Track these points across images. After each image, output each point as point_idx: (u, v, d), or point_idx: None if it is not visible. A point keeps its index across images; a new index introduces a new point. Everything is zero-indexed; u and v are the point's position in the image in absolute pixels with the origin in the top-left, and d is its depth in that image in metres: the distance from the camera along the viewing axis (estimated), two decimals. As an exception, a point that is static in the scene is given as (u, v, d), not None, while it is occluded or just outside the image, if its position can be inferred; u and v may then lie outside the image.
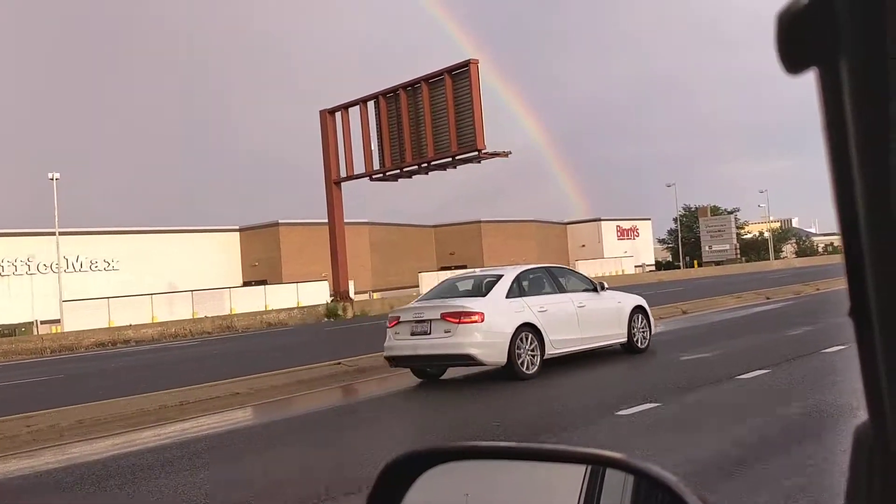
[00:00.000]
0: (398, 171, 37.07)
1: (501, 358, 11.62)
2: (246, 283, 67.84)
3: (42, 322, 53.18)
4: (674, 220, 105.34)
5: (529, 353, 11.84)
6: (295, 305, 56.35)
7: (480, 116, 33.24)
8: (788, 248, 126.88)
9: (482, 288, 12.68)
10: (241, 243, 70.29)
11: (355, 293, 70.76)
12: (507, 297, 12.21)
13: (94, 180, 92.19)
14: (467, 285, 13.39)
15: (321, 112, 39.98)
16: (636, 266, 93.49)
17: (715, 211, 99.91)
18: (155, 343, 33.57)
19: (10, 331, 45.88)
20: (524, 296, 12.43)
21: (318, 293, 64.70)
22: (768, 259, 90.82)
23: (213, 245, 68.69)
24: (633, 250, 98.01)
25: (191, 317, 58.37)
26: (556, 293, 12.97)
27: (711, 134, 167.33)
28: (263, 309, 60.46)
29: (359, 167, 38.99)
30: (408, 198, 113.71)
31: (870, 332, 0.55)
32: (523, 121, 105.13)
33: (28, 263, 56.87)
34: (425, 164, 36.02)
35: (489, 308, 11.84)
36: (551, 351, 12.25)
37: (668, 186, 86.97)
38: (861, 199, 0.53)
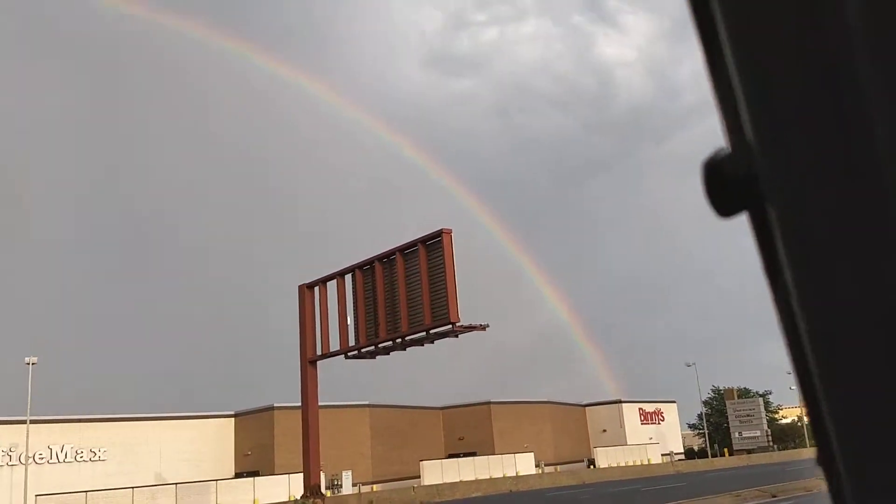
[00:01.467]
0: (373, 347, 34.92)
1: None
2: (238, 475, 64.02)
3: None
4: (703, 403, 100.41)
5: None
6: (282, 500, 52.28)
7: (454, 288, 31.46)
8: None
9: None
10: (236, 431, 67.13)
11: (353, 484, 66.34)
12: None
13: (83, 365, 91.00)
14: None
15: (300, 287, 38.69)
16: (663, 455, 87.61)
17: (745, 394, 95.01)
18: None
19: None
20: None
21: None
22: (805, 446, 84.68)
23: (206, 433, 65.61)
24: (658, 436, 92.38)
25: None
26: None
27: (740, 313, 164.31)
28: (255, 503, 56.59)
29: (336, 344, 36.93)
30: (416, 378, 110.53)
31: (837, 478, 0.56)
32: (546, 297, 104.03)
33: (10, 454, 54.09)
34: (400, 340, 33.87)
35: None
36: None
37: (689, 366, 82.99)
38: (810, 342, 0.54)
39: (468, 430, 78.79)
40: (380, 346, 34.72)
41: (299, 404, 64.66)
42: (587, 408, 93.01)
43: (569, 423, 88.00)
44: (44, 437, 56.08)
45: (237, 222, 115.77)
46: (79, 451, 57.97)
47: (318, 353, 37.41)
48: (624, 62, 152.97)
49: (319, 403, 67.36)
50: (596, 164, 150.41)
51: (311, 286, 38.32)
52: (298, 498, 39.23)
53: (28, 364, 44.21)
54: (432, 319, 32.16)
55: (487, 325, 32.84)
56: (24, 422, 50.58)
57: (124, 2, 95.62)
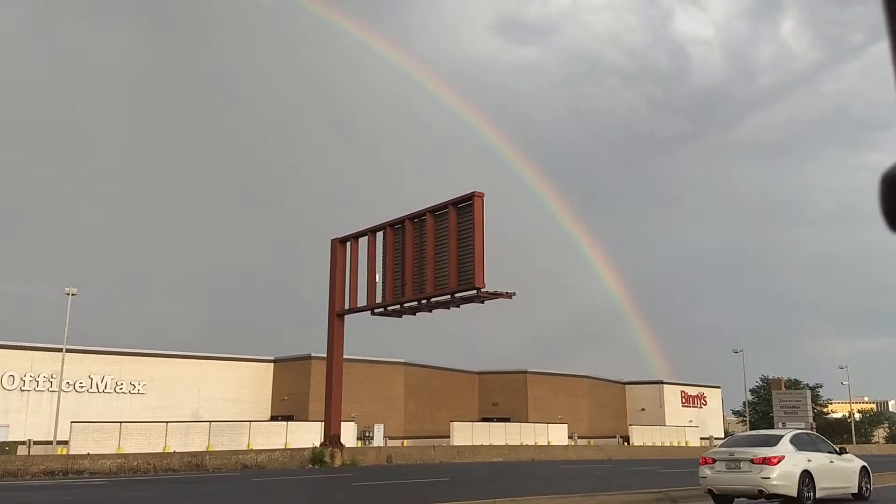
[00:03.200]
0: (398, 306, 34.58)
1: (793, 492, 16.18)
2: (273, 418, 65.20)
3: (56, 442, 51.30)
4: (750, 391, 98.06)
5: (807, 490, 16.34)
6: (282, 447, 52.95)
7: (482, 253, 30.75)
8: (880, 433, 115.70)
9: (770, 441, 17.29)
10: (274, 376, 68.24)
11: (384, 437, 67.01)
12: (790, 449, 16.84)
13: (129, 301, 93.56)
14: (755, 440, 17.92)
15: (332, 241, 38.50)
16: (702, 438, 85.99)
17: (795, 385, 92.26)
18: (111, 476, 30.89)
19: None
20: (798, 451, 16.92)
21: (344, 433, 61.33)
22: (851, 442, 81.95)
23: (245, 375, 66.89)
24: (699, 420, 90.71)
25: (206, 448, 55.87)
26: (816, 451, 17.56)
27: (800, 306, 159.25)
28: (283, 446, 57.50)
29: (363, 300, 36.75)
30: (468, 338, 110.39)
31: None
32: (601, 274, 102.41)
33: (51, 380, 55.95)
34: (425, 301, 33.43)
35: (782, 456, 16.45)
36: (818, 493, 16.60)
37: (736, 353, 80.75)
38: None
39: (503, 396, 78.54)
40: (405, 305, 34.37)
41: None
42: (627, 385, 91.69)
43: (606, 399, 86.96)
44: (86, 366, 57.88)
45: (306, 164, 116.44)
46: (119, 383, 59.70)
47: (346, 307, 37.29)
48: (700, 39, 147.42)
49: (357, 357, 68.20)
50: (664, 144, 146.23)
51: (343, 241, 38.10)
52: (318, 445, 39.50)
53: (68, 294, 45.29)
54: (458, 283, 31.58)
55: (513, 294, 32.10)
56: (56, 350, 52.16)
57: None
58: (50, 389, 56.20)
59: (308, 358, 66.34)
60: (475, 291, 31.25)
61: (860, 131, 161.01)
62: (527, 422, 71.88)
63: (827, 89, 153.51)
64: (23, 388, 55.53)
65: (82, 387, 58.37)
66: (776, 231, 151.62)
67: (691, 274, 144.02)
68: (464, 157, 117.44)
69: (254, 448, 55.97)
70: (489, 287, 31.56)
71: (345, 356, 66.12)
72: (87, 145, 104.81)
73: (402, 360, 70.44)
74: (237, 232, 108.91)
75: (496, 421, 73.83)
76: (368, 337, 76.21)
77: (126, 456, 34.84)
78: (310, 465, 36.10)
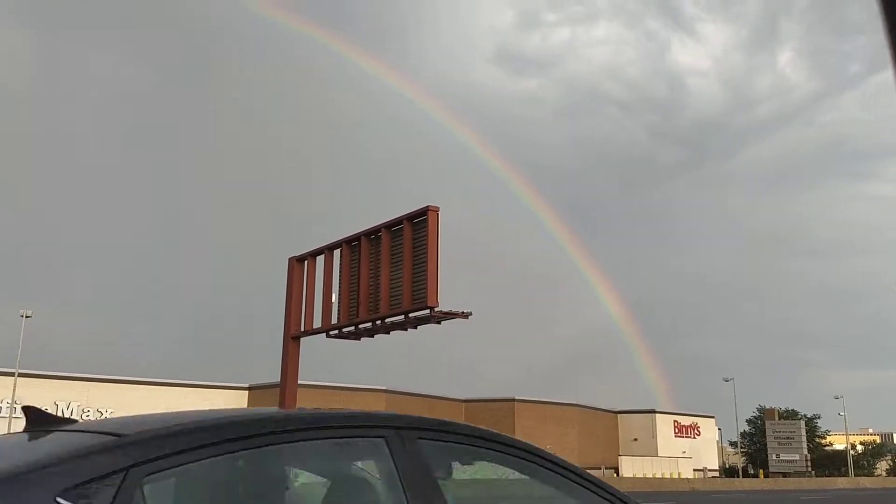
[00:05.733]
0: (353, 327, 32.67)
1: None
2: (247, 448, 63.09)
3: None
4: (747, 421, 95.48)
5: None
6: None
7: (435, 270, 28.96)
8: (883, 465, 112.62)
9: None
10: (249, 403, 66.19)
11: (363, 469, 64.71)
12: None
13: (98, 325, 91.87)
14: None
15: (289, 259, 36.69)
16: (695, 470, 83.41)
17: (793, 415, 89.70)
18: None
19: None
20: None
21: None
22: (848, 475, 79.29)
23: (218, 403, 64.80)
24: (692, 450, 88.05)
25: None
26: None
27: (798, 337, 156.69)
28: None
29: (319, 321, 34.86)
30: (455, 366, 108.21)
31: None
32: (601, 299, 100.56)
33: (14, 406, 54.02)
34: (380, 322, 31.53)
35: None
36: None
37: (727, 381, 78.48)
38: None
39: (490, 424, 75.71)
40: (360, 326, 32.47)
41: (314, 381, 63.85)
42: (619, 415, 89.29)
43: (597, 428, 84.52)
44: (51, 392, 56.00)
45: (301, 200, 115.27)
46: (85, 410, 57.74)
47: (302, 329, 35.39)
48: (698, 71, 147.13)
49: (335, 384, 66.16)
50: (661, 173, 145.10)
51: (300, 259, 36.27)
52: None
53: (22, 317, 43.62)
54: (412, 302, 29.69)
55: (470, 314, 30.28)
56: (27, 375, 50.41)
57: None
58: (14, 416, 54.32)
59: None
60: (429, 311, 29.38)
61: (859, 161, 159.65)
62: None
63: (825, 119, 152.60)
64: (-16, 416, 53.66)
65: (9, 412, 56.47)
66: (775, 260, 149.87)
67: (690, 301, 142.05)
68: (463, 182, 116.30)
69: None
70: (444, 307, 29.71)
71: (323, 383, 64.50)
72: (56, 160, 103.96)
73: (384, 388, 68.39)
74: (210, 250, 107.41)
75: (482, 451, 71.55)
76: (352, 364, 74.40)
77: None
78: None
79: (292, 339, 35.71)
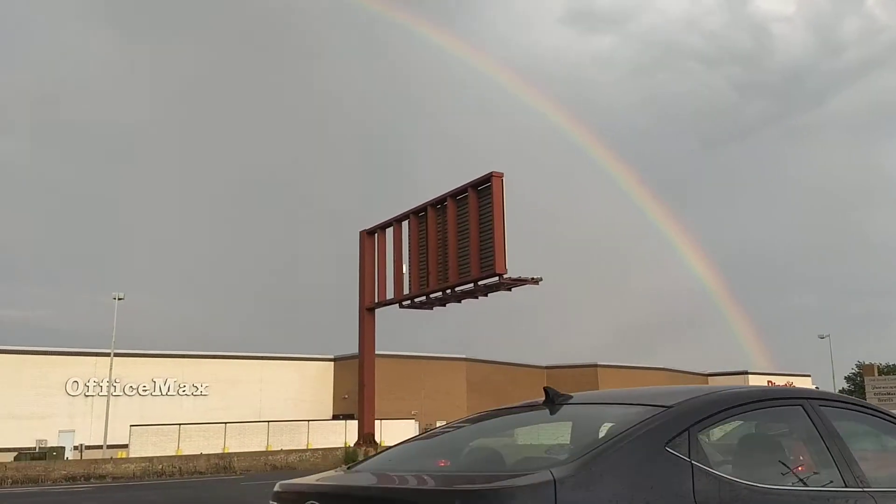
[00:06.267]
0: (424, 297, 33.03)
1: None
2: (335, 417, 64.82)
3: (112, 446, 52.11)
4: (845, 378, 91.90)
5: None
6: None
7: (502, 237, 28.88)
8: None
9: None
10: (335, 374, 67.87)
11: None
12: None
13: (188, 303, 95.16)
14: None
15: (360, 233, 37.27)
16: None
17: (892, 370, 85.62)
18: (132, 481, 30.54)
19: (42, 455, 44.83)
20: None
21: (404, 431, 60.34)
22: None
23: (306, 374, 66.79)
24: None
25: (265, 449, 55.90)
26: None
27: (892, 291, 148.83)
28: (343, 445, 56.94)
29: (392, 292, 35.39)
30: (537, 333, 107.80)
31: None
32: (686, 260, 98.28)
33: (115, 385, 56.99)
34: (450, 291, 31.77)
35: None
36: None
37: (822, 338, 75.50)
38: None
39: (572, 390, 75.36)
40: (431, 296, 32.80)
41: (395, 352, 64.90)
42: (710, 377, 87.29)
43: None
44: (149, 370, 58.82)
45: (351, 159, 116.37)
46: (181, 385, 60.39)
47: (376, 300, 36.00)
48: (782, 16, 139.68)
49: (416, 353, 67.09)
50: (746, 126, 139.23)
51: (370, 232, 36.82)
52: (352, 445, 38.40)
53: (115, 299, 45.77)
54: (480, 270, 29.80)
55: (540, 279, 30.14)
56: (125, 355, 53.03)
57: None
58: (113, 394, 57.30)
59: (367, 356, 65.70)
60: (497, 278, 29.41)
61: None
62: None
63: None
64: (87, 394, 56.79)
65: (146, 390, 59.35)
66: (865, 214, 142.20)
67: (780, 258, 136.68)
68: (535, 148, 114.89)
69: (312, 447, 55.74)
70: (516, 273, 29.69)
71: (403, 353, 65.49)
72: (137, 153, 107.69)
73: (463, 356, 68.89)
74: (283, 230, 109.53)
75: (566, 416, 71.43)
76: (432, 334, 75.07)
77: (149, 459, 34.49)
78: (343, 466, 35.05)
79: (367, 311, 36.39)
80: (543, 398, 3.88)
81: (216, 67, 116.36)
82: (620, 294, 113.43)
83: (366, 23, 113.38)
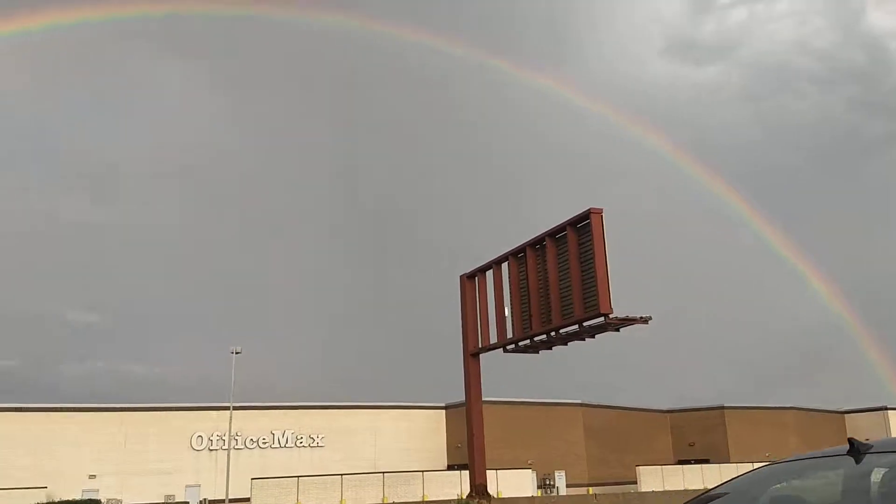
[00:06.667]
0: (528, 340, 32.08)
1: None
2: (450, 467, 63.94)
3: (234, 500, 53.08)
4: None
5: None
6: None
7: (605, 275, 27.71)
8: None
9: None
10: (447, 422, 67.16)
11: (567, 486, 63.33)
12: None
13: (301, 355, 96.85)
14: None
15: (461, 277, 36.83)
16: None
17: None
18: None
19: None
20: None
21: (520, 482, 58.75)
22: None
23: (419, 423, 66.45)
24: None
25: (381, 501, 55.65)
26: None
27: None
28: (458, 496, 55.94)
29: (495, 336, 34.62)
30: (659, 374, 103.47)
31: None
32: (818, 292, 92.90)
33: (236, 438, 58.38)
34: (554, 333, 30.70)
35: None
36: None
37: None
38: None
39: (699, 435, 72.12)
40: (535, 339, 31.82)
41: (507, 398, 63.63)
42: (846, 415, 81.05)
43: (820, 432, 77.18)
44: (267, 422, 60.05)
45: (472, 210, 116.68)
46: (298, 437, 61.25)
47: (479, 345, 35.31)
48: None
49: (528, 399, 65.58)
50: (870, 147, 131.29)
51: (470, 276, 36.33)
52: (464, 497, 37.38)
53: (232, 353, 47.06)
54: (584, 310, 28.65)
55: (649, 318, 28.65)
56: (245, 408, 54.30)
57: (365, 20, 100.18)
58: (235, 447, 58.66)
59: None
60: (603, 318, 28.17)
61: None
62: (728, 462, 65.24)
63: None
64: (210, 448, 58.41)
65: (265, 443, 60.56)
66: None
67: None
68: (642, 181, 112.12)
69: (428, 498, 55.06)
70: (619, 312, 28.38)
71: (515, 399, 64.14)
72: (247, 203, 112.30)
73: (579, 401, 66.80)
74: (395, 272, 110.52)
75: (694, 463, 67.83)
76: (543, 378, 73.33)
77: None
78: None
79: (471, 356, 35.75)
80: (847, 447, 3.89)
81: (336, 132, 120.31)
82: (741, 330, 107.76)
83: (477, 67, 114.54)
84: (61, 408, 56.86)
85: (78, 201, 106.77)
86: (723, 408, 72.47)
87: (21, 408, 56.07)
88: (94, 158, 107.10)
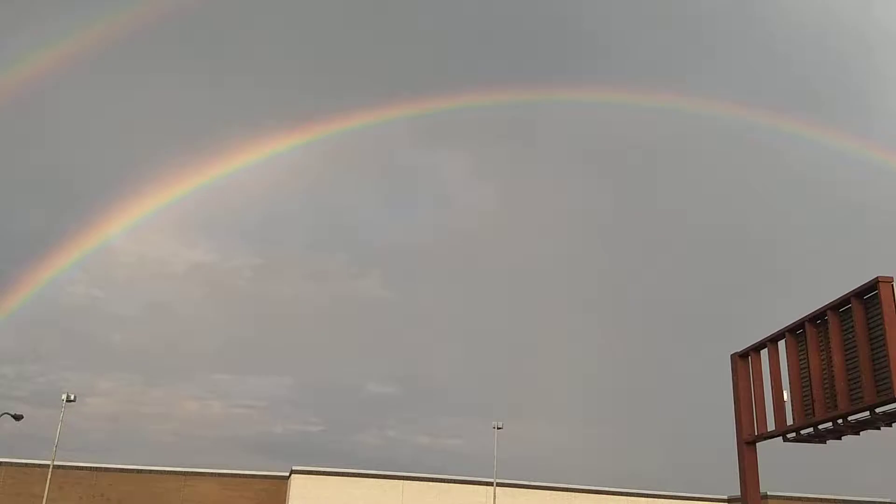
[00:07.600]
0: (811, 428, 28.62)
1: None
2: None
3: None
4: None
5: None
6: None
7: (898, 353, 24.21)
8: None
9: None
10: (730, 516, 61.60)
11: None
12: None
13: (562, 430, 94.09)
14: None
15: (732, 356, 34.06)
16: None
17: None
18: None
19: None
20: None
21: None
22: None
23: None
24: None
25: None
26: None
27: None
28: None
29: (772, 423, 31.39)
30: None
31: None
32: None
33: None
34: (840, 420, 27.14)
35: None
36: None
37: None
38: None
39: None
40: (819, 427, 28.32)
41: (798, 493, 56.89)
42: None
43: None
44: (528, 499, 59.49)
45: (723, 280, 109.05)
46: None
47: (756, 433, 32.21)
48: None
49: (826, 496, 58.02)
50: None
51: (743, 355, 33.45)
52: None
53: (495, 428, 47.64)
54: (876, 395, 25.08)
55: (963, 405, 24.36)
56: (508, 485, 54.44)
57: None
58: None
59: (765, 497, 58.69)
60: (899, 404, 24.48)
61: None
62: None
63: None
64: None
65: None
66: None
67: None
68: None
69: None
70: (926, 398, 24.50)
71: (809, 495, 57.14)
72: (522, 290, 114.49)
73: (888, 500, 57.87)
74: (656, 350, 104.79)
75: None
76: (847, 472, 64.83)
77: None
78: None
79: (746, 445, 32.74)
80: None
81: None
82: None
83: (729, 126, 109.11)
84: (352, 473, 60.86)
85: (370, 282, 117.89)
86: None
87: (318, 471, 60.67)
88: (383, 244, 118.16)
